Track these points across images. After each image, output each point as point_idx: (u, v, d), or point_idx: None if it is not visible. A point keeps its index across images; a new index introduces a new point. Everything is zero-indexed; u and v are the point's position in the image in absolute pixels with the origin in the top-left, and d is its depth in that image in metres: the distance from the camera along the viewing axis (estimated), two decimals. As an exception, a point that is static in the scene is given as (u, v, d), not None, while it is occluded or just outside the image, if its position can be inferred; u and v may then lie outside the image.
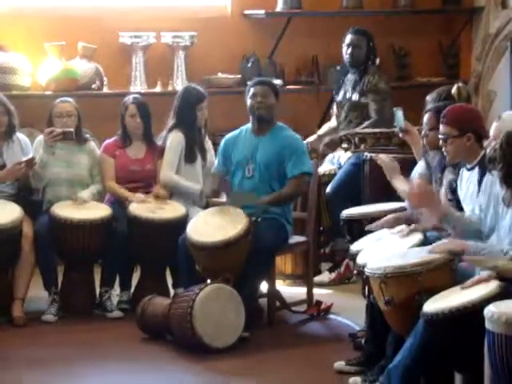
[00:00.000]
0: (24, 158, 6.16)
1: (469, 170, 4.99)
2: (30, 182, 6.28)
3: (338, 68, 7.43)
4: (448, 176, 5.22)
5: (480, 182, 4.87)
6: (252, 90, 6.09)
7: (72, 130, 6.24)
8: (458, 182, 5.08)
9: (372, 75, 7.15)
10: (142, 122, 6.43)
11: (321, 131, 7.42)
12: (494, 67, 7.84)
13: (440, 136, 4.99)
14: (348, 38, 7.20)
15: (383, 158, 5.63)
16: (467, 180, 5.00)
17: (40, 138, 6.37)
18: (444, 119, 4.97)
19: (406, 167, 5.81)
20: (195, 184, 6.40)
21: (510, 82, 7.82)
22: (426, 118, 5.35)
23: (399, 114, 5.78)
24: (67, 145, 6.30)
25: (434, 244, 4.71)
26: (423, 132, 5.37)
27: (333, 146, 7.28)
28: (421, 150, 5.63)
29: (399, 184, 5.48)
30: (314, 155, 6.74)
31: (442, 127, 4.98)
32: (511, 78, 7.82)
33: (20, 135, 6.38)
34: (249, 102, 6.08)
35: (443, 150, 5.02)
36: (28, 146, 6.34)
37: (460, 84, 5.86)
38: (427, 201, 4.83)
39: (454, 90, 5.71)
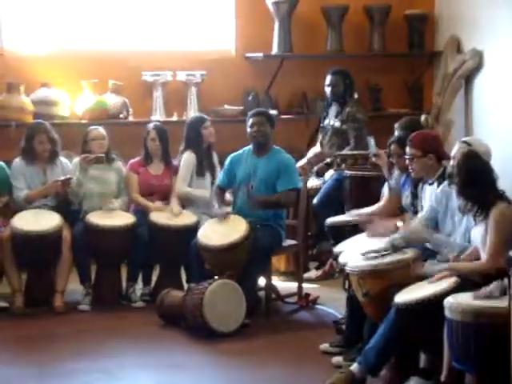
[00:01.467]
0: (62, 178, 6.16)
1: (430, 184, 5.00)
2: (70, 197, 6.27)
3: (324, 102, 7.41)
4: (407, 189, 5.22)
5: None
6: (250, 120, 6.08)
7: (103, 155, 6.25)
8: (422, 195, 5.09)
9: (351, 107, 7.13)
10: (161, 144, 6.43)
11: (308, 155, 7.40)
12: (451, 101, 7.83)
13: (406, 156, 5.00)
14: (328, 79, 7.18)
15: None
16: (430, 193, 5.00)
17: (76, 160, 6.36)
18: (410, 142, 4.98)
19: (378, 182, 5.83)
20: (204, 192, 6.38)
21: (465, 113, 7.82)
22: (392, 148, 5.36)
23: (371, 142, 5.80)
24: (99, 164, 6.30)
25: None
26: (394, 160, 5.37)
27: (317, 163, 7.27)
28: (387, 171, 5.65)
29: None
30: (303, 174, 6.71)
31: (408, 149, 4.99)
32: (465, 110, 7.81)
33: (62, 158, 6.36)
34: (248, 130, 6.07)
35: (410, 168, 5.03)
36: (68, 167, 6.32)
37: (427, 115, 5.92)
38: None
39: (423, 119, 5.75)
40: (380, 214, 5.46)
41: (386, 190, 5.59)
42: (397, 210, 5.36)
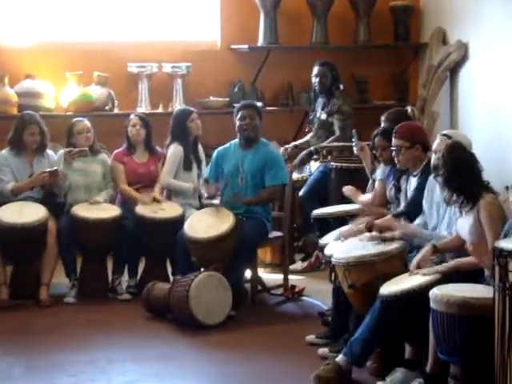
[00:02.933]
0: (48, 169, 6.14)
1: (414, 176, 5.02)
2: (54, 189, 6.26)
3: (311, 94, 7.42)
4: (392, 181, 5.25)
5: (420, 183, 4.91)
6: (240, 113, 6.05)
7: (86, 148, 6.25)
8: (408, 187, 5.11)
9: (337, 99, 7.14)
10: (143, 129, 6.42)
11: (298, 142, 7.41)
12: (437, 92, 7.85)
13: (393, 148, 5.02)
14: (315, 69, 7.20)
15: (348, 188, 5.65)
16: (414, 183, 5.03)
17: (61, 152, 6.34)
18: (397, 134, 5.00)
19: (362, 173, 5.85)
20: (188, 184, 6.38)
21: (450, 105, 7.85)
22: (376, 141, 5.36)
23: (356, 136, 5.83)
24: (84, 157, 6.30)
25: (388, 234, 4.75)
26: (378, 153, 5.38)
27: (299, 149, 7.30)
28: (370, 165, 5.67)
29: (358, 198, 5.54)
30: (289, 164, 6.72)
31: (395, 141, 5.00)
32: (450, 102, 7.84)
33: (49, 151, 6.35)
34: (237, 123, 6.05)
35: (395, 160, 5.04)
36: (54, 159, 6.31)
37: (413, 107, 5.96)
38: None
39: (409, 111, 5.79)
40: (374, 205, 5.49)
41: (370, 184, 5.62)
42: (384, 202, 5.38)
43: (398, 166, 5.05)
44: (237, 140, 6.14)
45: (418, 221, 4.82)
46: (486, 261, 4.09)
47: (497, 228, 4.15)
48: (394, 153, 5.01)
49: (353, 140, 5.84)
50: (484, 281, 4.15)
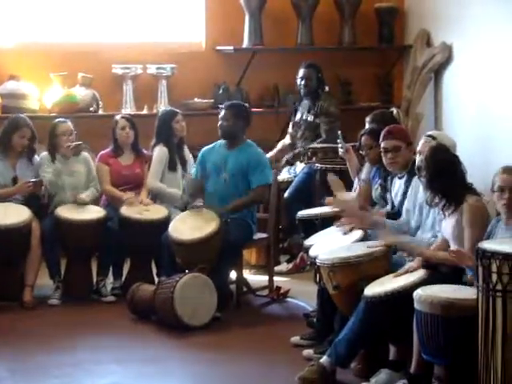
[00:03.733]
0: (33, 180, 6.12)
1: (400, 178, 5.04)
2: (38, 192, 6.23)
3: (296, 96, 7.44)
4: (377, 182, 5.26)
5: (407, 187, 4.93)
6: (221, 112, 6.10)
7: (81, 142, 6.27)
8: (392, 189, 5.12)
9: (323, 100, 7.16)
10: (131, 132, 6.42)
11: (277, 147, 7.43)
12: (421, 94, 7.88)
13: (389, 149, 4.97)
14: (301, 71, 7.22)
15: (331, 177, 5.68)
16: (399, 187, 5.04)
17: (44, 154, 6.32)
18: (392, 135, 4.98)
19: (347, 175, 5.87)
20: (176, 190, 6.39)
21: (434, 106, 7.88)
22: (363, 140, 5.37)
23: (342, 138, 5.85)
24: (65, 158, 6.28)
25: (372, 242, 4.74)
26: (364, 152, 5.39)
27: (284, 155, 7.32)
28: (355, 167, 5.69)
29: (342, 195, 5.56)
30: (274, 166, 6.74)
31: (390, 142, 4.96)
32: (435, 103, 7.87)
33: (36, 157, 6.32)
34: (219, 122, 6.10)
35: (388, 162, 5.01)
36: (39, 165, 6.27)
37: (397, 109, 6.01)
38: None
39: (395, 112, 5.82)
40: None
41: (356, 185, 5.63)
42: (369, 202, 5.40)
43: (393, 168, 5.02)
44: (222, 140, 6.15)
45: (401, 219, 4.85)
46: (468, 263, 4.11)
47: (477, 233, 4.16)
48: (389, 154, 4.96)
49: (338, 142, 5.86)
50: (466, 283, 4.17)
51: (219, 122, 6.07)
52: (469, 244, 4.18)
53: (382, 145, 4.99)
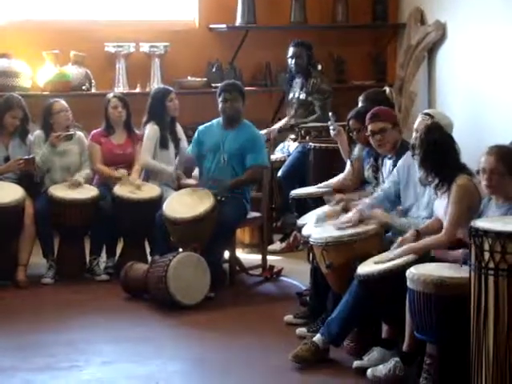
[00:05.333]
0: (25, 157, 6.10)
1: (389, 158, 5.04)
2: (31, 170, 6.22)
3: (287, 75, 7.42)
4: (369, 163, 5.26)
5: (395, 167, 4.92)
6: (222, 95, 6.02)
7: (73, 132, 6.23)
8: (382, 169, 5.12)
9: (315, 78, 7.17)
10: (124, 111, 6.40)
11: (276, 125, 7.41)
12: (415, 73, 7.85)
13: (376, 131, 4.97)
14: (290, 50, 7.20)
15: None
16: (389, 167, 5.04)
17: (38, 132, 6.30)
18: (378, 117, 4.97)
19: (340, 154, 5.86)
20: (168, 166, 6.38)
21: (427, 85, 7.86)
22: (350, 124, 5.38)
23: (333, 119, 5.82)
24: (68, 140, 6.26)
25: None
26: (354, 136, 5.39)
27: (284, 132, 7.32)
28: (346, 148, 5.68)
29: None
30: (268, 144, 6.73)
31: (376, 124, 4.96)
32: (428, 82, 7.86)
33: (30, 136, 6.30)
34: (220, 104, 6.03)
35: (376, 144, 5.01)
36: (31, 144, 6.25)
37: (390, 87, 5.99)
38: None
39: (388, 91, 5.80)
40: (344, 184, 5.50)
41: (348, 166, 5.63)
42: (360, 180, 5.40)
43: (383, 149, 5.02)
44: (220, 119, 6.13)
45: (385, 186, 4.85)
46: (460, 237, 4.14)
47: (460, 211, 4.17)
48: (377, 136, 4.96)
49: (329, 123, 5.84)
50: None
51: (223, 105, 6.00)
52: (449, 219, 4.20)
53: (369, 128, 4.99)
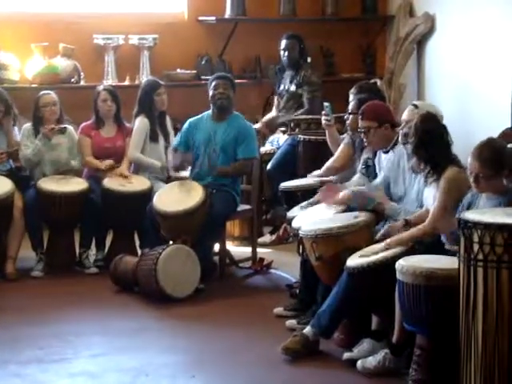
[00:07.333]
0: (7, 150, 6.08)
1: (385, 152, 5.04)
2: (20, 163, 6.19)
3: (278, 67, 7.42)
4: (364, 155, 5.27)
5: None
6: (214, 82, 6.02)
7: (66, 126, 6.21)
8: (376, 162, 5.12)
9: (306, 70, 7.18)
10: (113, 104, 6.38)
11: (264, 119, 7.43)
12: (404, 65, 7.87)
13: (362, 130, 4.99)
14: (283, 43, 7.21)
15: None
16: (384, 160, 5.04)
17: (27, 125, 6.27)
18: (363, 115, 4.99)
19: (328, 146, 5.86)
20: (157, 161, 6.36)
21: (417, 77, 7.87)
22: (351, 104, 5.39)
23: (329, 108, 5.77)
24: (61, 134, 6.24)
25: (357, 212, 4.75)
26: (346, 116, 5.40)
27: (272, 127, 7.33)
28: (335, 141, 5.67)
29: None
30: (259, 137, 6.73)
31: (362, 122, 4.99)
32: (417, 74, 7.87)
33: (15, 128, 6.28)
34: (211, 92, 6.01)
35: (365, 141, 5.03)
36: (21, 136, 6.22)
37: (380, 80, 5.99)
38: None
39: (379, 83, 5.79)
40: (335, 165, 5.51)
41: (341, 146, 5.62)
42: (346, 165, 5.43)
43: (372, 147, 5.04)
44: (209, 112, 6.11)
45: (377, 180, 4.87)
46: (444, 229, 4.15)
47: (446, 201, 4.20)
48: (363, 135, 4.99)
49: (323, 113, 5.82)
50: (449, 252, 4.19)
51: (216, 91, 5.97)
52: (433, 209, 4.22)
53: (359, 125, 5.02)
